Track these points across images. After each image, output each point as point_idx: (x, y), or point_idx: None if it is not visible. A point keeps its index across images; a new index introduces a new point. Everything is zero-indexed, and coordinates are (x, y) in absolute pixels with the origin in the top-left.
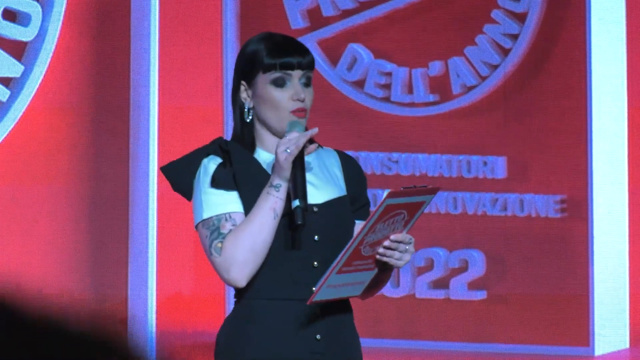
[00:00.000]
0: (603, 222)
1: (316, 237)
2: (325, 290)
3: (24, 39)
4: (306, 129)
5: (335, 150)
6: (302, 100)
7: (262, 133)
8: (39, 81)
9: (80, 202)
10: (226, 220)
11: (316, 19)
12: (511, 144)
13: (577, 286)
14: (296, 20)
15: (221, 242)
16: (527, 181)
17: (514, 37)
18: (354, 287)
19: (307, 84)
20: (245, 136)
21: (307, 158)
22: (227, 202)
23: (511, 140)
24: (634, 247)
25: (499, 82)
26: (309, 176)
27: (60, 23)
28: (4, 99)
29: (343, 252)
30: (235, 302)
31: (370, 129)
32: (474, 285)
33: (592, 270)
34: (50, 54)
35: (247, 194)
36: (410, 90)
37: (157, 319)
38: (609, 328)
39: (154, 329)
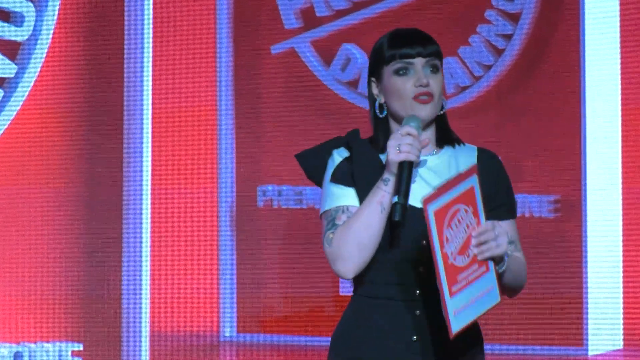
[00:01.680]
0: (597, 222)
1: (424, 241)
2: (456, 318)
3: (18, 39)
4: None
5: (478, 147)
6: (426, 85)
7: (394, 129)
8: (33, 81)
9: (73, 202)
10: (343, 212)
11: (310, 19)
12: (505, 144)
13: (571, 286)
14: (290, 21)
15: (333, 232)
16: (521, 181)
17: (508, 37)
18: (488, 296)
19: (433, 72)
20: (377, 134)
21: (434, 158)
22: (345, 195)
23: (505, 141)
24: (628, 247)
25: (492, 82)
26: (430, 177)
27: (54, 23)
28: None
29: (437, 276)
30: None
31: (364, 130)
32: None
33: (586, 271)
34: (44, 54)
35: (363, 192)
36: None
37: (150, 319)
38: (602, 328)
39: (148, 330)
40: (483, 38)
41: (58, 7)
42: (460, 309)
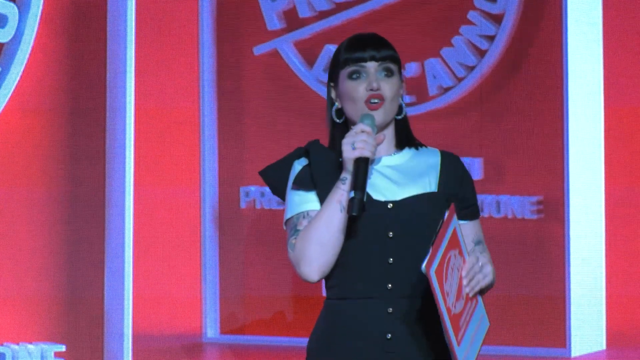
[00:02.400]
0: (579, 223)
1: (390, 233)
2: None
3: (1, 41)
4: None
5: (441, 150)
6: (376, 90)
7: None
8: (15, 83)
9: (56, 203)
10: (304, 217)
11: (292, 20)
12: (487, 145)
13: (553, 287)
14: (272, 22)
15: (296, 238)
16: (504, 182)
17: (490, 38)
18: (481, 326)
19: (387, 76)
20: (335, 139)
21: (396, 158)
22: (306, 201)
23: (487, 142)
24: (611, 248)
25: (475, 83)
26: (390, 173)
27: (37, 24)
28: None
29: (446, 332)
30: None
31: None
32: None
33: (569, 272)
34: (27, 56)
35: (324, 194)
36: None
37: (133, 321)
38: (585, 329)
39: (130, 331)
40: (466, 39)
41: (41, 8)
42: (466, 353)
